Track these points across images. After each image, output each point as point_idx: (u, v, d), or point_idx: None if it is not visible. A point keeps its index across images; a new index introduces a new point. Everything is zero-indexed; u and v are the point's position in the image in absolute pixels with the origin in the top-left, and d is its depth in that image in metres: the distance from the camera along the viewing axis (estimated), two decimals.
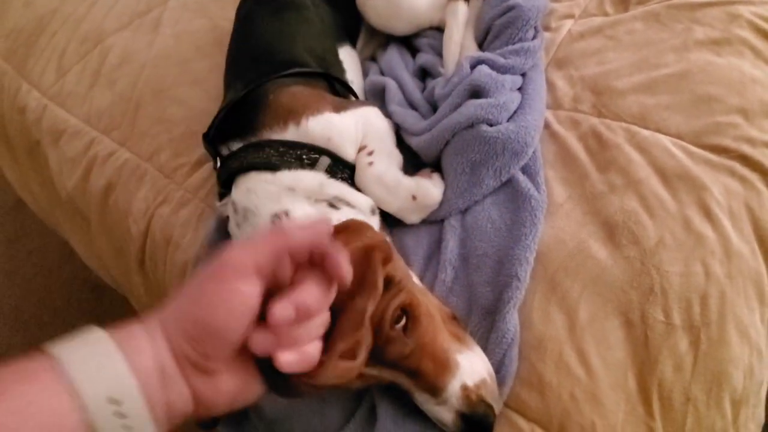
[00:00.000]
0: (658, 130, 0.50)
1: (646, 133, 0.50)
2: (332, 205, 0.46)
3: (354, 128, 0.51)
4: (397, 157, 0.53)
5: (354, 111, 0.52)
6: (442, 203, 0.49)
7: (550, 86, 0.57)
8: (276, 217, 0.45)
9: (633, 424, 0.37)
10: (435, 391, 0.36)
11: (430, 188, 0.49)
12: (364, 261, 0.32)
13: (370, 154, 0.51)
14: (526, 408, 0.39)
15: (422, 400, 0.37)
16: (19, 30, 0.86)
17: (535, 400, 0.39)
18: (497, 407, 0.37)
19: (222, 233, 0.53)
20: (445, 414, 0.36)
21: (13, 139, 0.80)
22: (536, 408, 0.39)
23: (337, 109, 0.51)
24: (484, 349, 0.40)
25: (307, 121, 0.49)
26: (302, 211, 0.45)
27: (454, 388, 0.35)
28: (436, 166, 0.53)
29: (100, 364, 0.24)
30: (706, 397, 0.38)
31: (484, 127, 0.47)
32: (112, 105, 0.69)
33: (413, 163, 0.54)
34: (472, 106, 0.48)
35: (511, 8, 0.56)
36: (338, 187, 0.48)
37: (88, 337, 0.25)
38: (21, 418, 0.22)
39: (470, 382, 0.36)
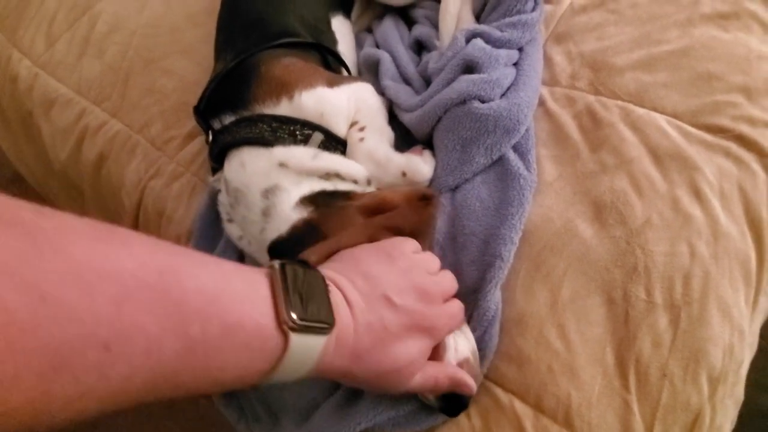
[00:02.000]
0: (654, 109, 0.49)
1: (641, 111, 0.49)
2: (324, 180, 0.46)
3: (347, 104, 0.50)
4: (388, 134, 0.52)
5: (347, 86, 0.51)
6: (432, 181, 0.49)
7: (548, 62, 0.56)
8: (267, 193, 0.45)
9: (608, 396, 0.39)
10: None
11: (420, 165, 0.48)
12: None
13: (362, 129, 0.50)
14: (505, 380, 0.40)
15: None
16: None
17: (513, 372, 0.40)
18: (477, 383, 0.38)
19: (215, 209, 0.53)
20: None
21: (7, 109, 0.80)
22: (514, 380, 0.40)
23: (331, 84, 0.51)
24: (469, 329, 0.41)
25: (300, 96, 0.48)
26: (294, 187, 0.45)
27: None
28: (428, 143, 0.52)
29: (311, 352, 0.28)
30: (682, 372, 0.39)
31: (476, 104, 0.46)
32: (101, 75, 0.68)
33: (406, 140, 0.54)
34: (464, 82, 0.47)
35: None
36: (332, 159, 0.47)
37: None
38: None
39: (453, 361, 0.37)
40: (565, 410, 0.38)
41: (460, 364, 0.37)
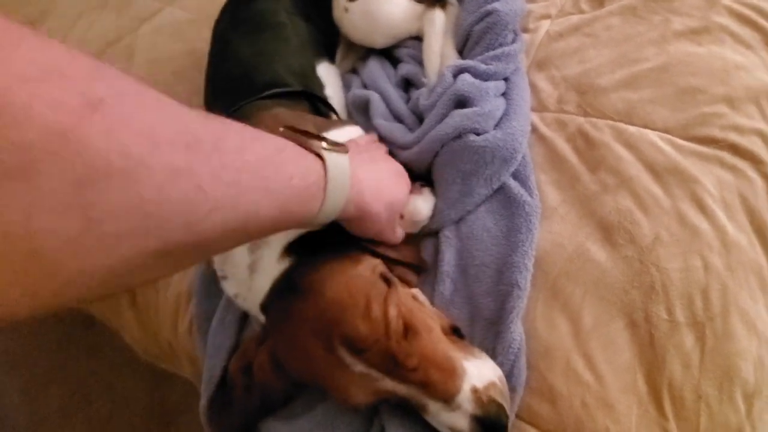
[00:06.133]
0: (645, 126, 0.50)
1: (632, 129, 0.50)
2: None
3: None
4: None
5: (336, 131, 0.52)
6: (434, 215, 0.49)
7: (533, 88, 0.57)
8: (253, 246, 0.44)
9: (647, 426, 0.37)
10: (447, 397, 0.36)
11: (418, 204, 0.48)
12: None
13: None
14: (539, 419, 0.38)
15: (436, 410, 0.36)
16: None
17: (546, 410, 0.38)
18: (508, 407, 0.37)
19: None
20: (461, 420, 0.36)
21: None
22: (549, 418, 0.38)
23: (319, 129, 0.51)
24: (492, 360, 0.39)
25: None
26: (279, 237, 0.44)
27: (465, 392, 0.36)
28: (426, 178, 0.52)
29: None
30: (717, 392, 0.38)
31: (472, 137, 0.47)
32: None
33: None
34: (458, 117, 0.48)
35: (488, 13, 0.56)
36: None
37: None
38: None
39: (479, 384, 0.36)
40: None
41: (486, 388, 0.36)
